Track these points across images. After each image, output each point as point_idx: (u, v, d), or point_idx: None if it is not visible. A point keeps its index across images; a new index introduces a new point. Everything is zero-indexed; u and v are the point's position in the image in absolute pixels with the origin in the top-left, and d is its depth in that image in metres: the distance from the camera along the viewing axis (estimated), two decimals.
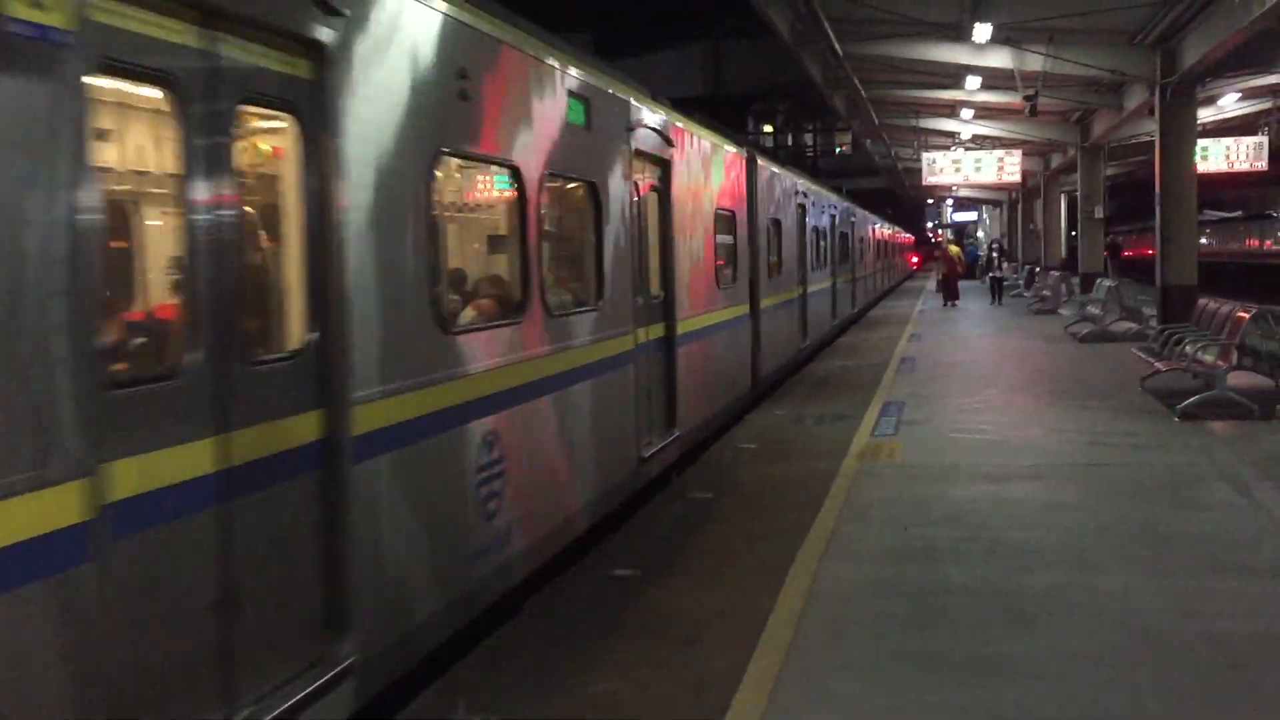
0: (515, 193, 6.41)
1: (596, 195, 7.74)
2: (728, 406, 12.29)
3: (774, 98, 69.21)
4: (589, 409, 7.42)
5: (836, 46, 18.89)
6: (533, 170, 6.47)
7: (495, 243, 7.17)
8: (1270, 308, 12.93)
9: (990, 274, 36.43)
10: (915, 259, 76.06)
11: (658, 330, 9.48)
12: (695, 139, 10.93)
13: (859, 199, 34.74)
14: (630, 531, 8.02)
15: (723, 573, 6.94)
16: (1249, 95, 26.81)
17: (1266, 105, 28.22)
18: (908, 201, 69.25)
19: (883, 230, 40.62)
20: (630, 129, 8.53)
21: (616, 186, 8.15)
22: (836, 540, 7.50)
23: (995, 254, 37.46)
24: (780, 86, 61.52)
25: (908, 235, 65.50)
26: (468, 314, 6.23)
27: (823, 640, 5.67)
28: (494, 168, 6.57)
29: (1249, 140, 28.97)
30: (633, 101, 8.64)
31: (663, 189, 9.80)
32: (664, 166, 9.75)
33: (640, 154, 8.86)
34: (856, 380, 16.16)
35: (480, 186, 7.15)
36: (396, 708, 5.02)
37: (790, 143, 73.18)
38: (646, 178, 9.30)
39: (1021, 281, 39.68)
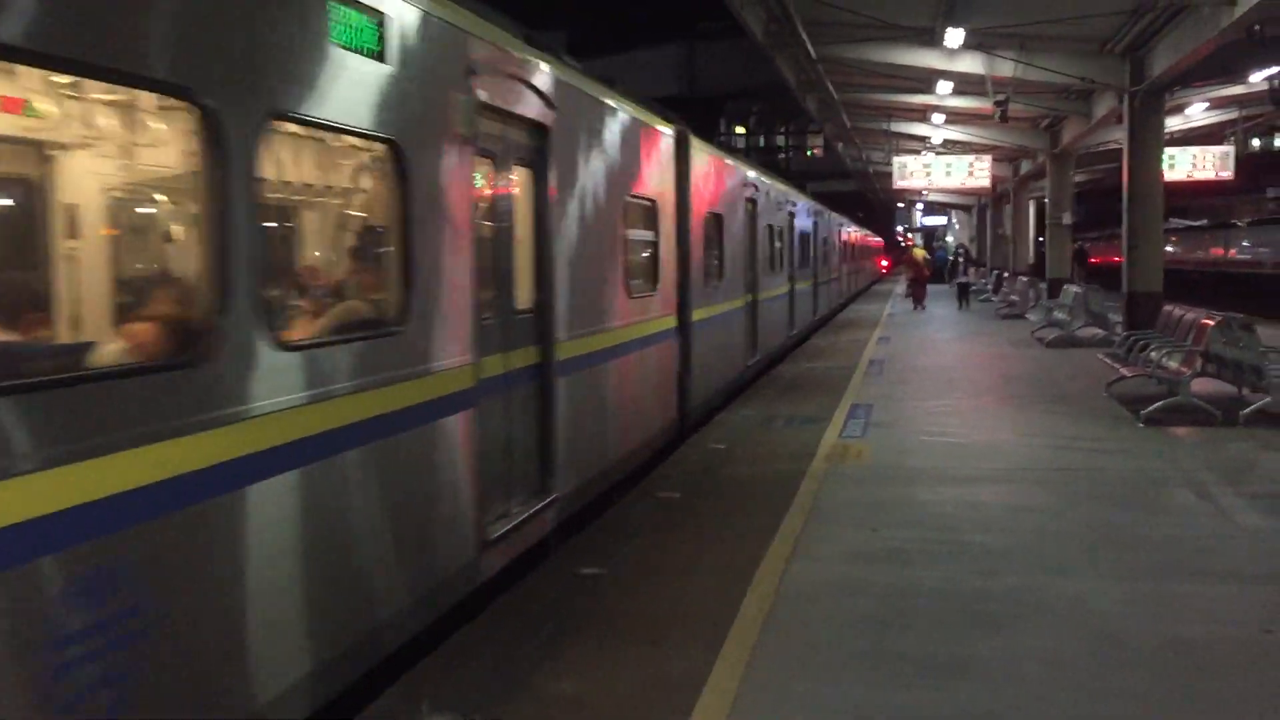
0: (203, 143, 3.94)
1: (401, 162, 5.28)
2: (640, 448, 9.94)
3: (747, 99, 69.39)
4: (368, 491, 5.01)
5: (810, 49, 18.94)
6: (241, 109, 4.07)
7: (146, 229, 4.88)
8: (1234, 315, 13.07)
9: (956, 279, 36.22)
10: (885, 262, 76.42)
11: (527, 356, 7.12)
12: (594, 103, 8.59)
13: (830, 201, 34.86)
14: (597, 530, 8.00)
15: (690, 573, 6.92)
16: (1216, 105, 27.11)
17: (1233, 115, 28.55)
18: (878, 205, 69.59)
19: (851, 232, 40.66)
20: (472, 72, 6.06)
21: (441, 152, 5.74)
22: (804, 541, 7.51)
23: (961, 259, 37.49)
24: (754, 88, 61.62)
25: (878, 238, 65.76)
26: (66, 356, 4.15)
27: (789, 640, 5.67)
28: (144, 97, 4.23)
29: (1215, 149, 29.29)
30: (473, 34, 6.18)
31: (538, 164, 7.33)
32: (540, 134, 7.30)
33: (493, 111, 6.44)
34: (825, 383, 16.20)
35: (109, 126, 4.51)
36: (359, 706, 4.97)
37: (763, 144, 73.41)
38: (509, 147, 6.88)
39: (990, 286, 39.95)
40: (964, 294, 34.88)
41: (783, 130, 73.77)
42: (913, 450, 10.80)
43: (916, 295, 34.76)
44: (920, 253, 38.71)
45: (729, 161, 14.64)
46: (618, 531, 7.92)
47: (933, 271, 40.79)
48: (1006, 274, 39.42)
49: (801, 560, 7.06)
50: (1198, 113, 27.90)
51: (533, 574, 6.91)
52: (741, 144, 70.31)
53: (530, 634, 5.83)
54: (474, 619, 6.07)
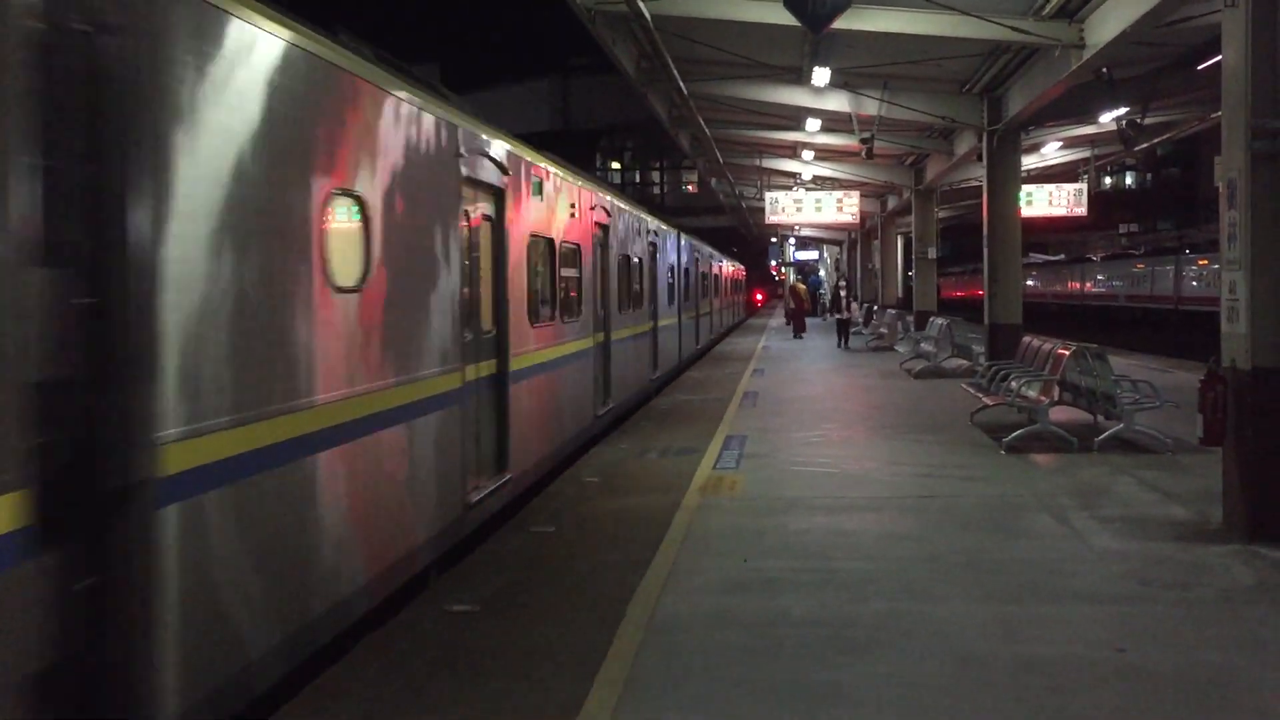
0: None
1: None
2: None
3: (622, 135, 70.09)
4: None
5: (681, 85, 19.19)
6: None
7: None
8: (1088, 345, 13.59)
9: (836, 315, 34.24)
10: (760, 296, 77.59)
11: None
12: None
13: (705, 236, 35.31)
14: (470, 566, 7.91)
15: (562, 606, 6.89)
16: (1070, 144, 28.25)
17: (1085, 154, 29.79)
18: (752, 240, 70.63)
19: (725, 266, 41.28)
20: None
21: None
22: (676, 572, 7.54)
23: (843, 293, 37.07)
24: (628, 124, 62.27)
25: (746, 270, 66.67)
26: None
27: (661, 672, 5.68)
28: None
29: (1070, 187, 30.44)
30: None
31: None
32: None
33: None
34: (701, 414, 16.35)
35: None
36: None
37: (638, 179, 74.14)
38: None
39: (860, 319, 40.89)
40: (844, 331, 32.99)
41: (658, 166, 74.60)
42: (785, 481, 10.96)
43: (797, 324, 37.58)
44: (801, 287, 41.82)
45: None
46: (490, 567, 7.85)
47: (813, 303, 42.78)
48: (876, 307, 40.41)
49: (673, 592, 7.09)
50: (1053, 151, 29.04)
51: (402, 611, 6.80)
52: (617, 180, 70.93)
53: (398, 672, 5.73)
54: (340, 659, 5.95)
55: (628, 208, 17.42)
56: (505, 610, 6.81)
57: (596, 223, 14.07)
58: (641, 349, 18.08)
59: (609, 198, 15.27)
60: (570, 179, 12.61)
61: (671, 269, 22.59)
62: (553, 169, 11.64)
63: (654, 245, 19.60)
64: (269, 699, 5.30)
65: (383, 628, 6.49)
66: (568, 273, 12.40)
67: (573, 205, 12.52)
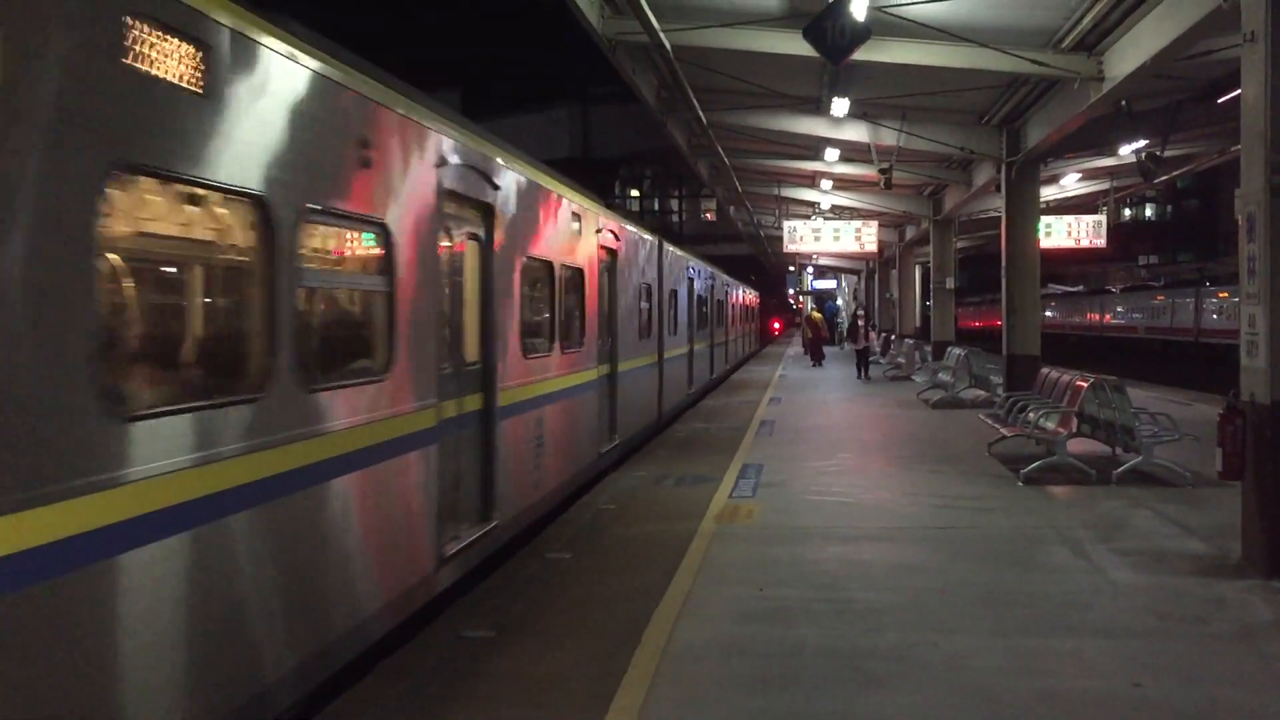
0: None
1: None
2: None
3: (641, 163, 70.46)
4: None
5: (701, 115, 19.30)
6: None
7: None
8: (1106, 377, 13.54)
9: (855, 345, 33.45)
10: (777, 324, 77.67)
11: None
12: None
13: (724, 264, 35.39)
14: (486, 592, 7.93)
15: (577, 633, 6.90)
16: (1089, 175, 28.23)
17: (1104, 186, 29.75)
18: (771, 268, 70.74)
19: (741, 294, 41.14)
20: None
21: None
22: (692, 601, 7.54)
23: (860, 322, 36.58)
24: (647, 152, 62.57)
25: (763, 298, 66.72)
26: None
27: (675, 701, 5.67)
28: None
29: (1089, 218, 30.36)
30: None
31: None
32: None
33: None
34: (717, 443, 16.34)
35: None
36: None
37: (657, 207, 74.51)
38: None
39: (878, 349, 40.87)
40: (863, 362, 31.73)
41: (676, 194, 74.93)
42: (801, 510, 10.94)
43: (815, 353, 38.27)
44: (818, 315, 42.64)
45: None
46: (506, 592, 7.87)
47: (829, 331, 43.50)
48: (894, 336, 40.38)
49: (689, 620, 7.09)
50: (1072, 183, 29.01)
51: (419, 636, 6.82)
52: (636, 207, 71.38)
53: (414, 697, 5.75)
54: (356, 683, 5.97)
55: (567, 192, 11.41)
56: (521, 636, 6.83)
57: (473, 200, 8.21)
58: (582, 411, 12.14)
59: (514, 169, 9.25)
60: (412, 114, 6.88)
61: (648, 289, 17.14)
62: (408, 103, 6.86)
63: (613, 255, 14.10)
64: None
65: (399, 653, 6.51)
66: (369, 284, 6.55)
67: (412, 158, 6.83)
